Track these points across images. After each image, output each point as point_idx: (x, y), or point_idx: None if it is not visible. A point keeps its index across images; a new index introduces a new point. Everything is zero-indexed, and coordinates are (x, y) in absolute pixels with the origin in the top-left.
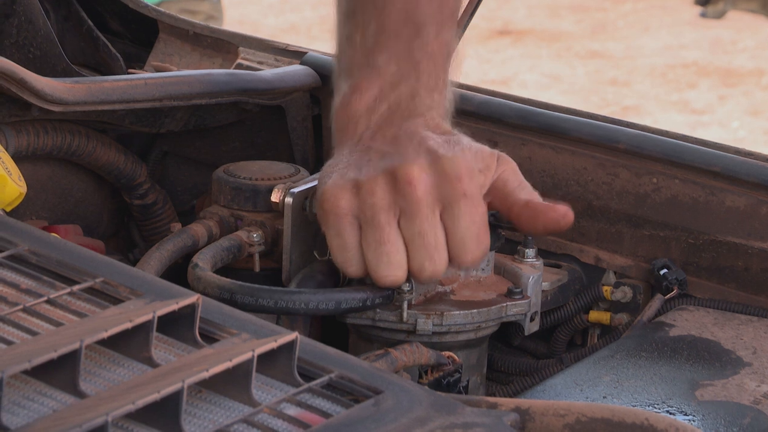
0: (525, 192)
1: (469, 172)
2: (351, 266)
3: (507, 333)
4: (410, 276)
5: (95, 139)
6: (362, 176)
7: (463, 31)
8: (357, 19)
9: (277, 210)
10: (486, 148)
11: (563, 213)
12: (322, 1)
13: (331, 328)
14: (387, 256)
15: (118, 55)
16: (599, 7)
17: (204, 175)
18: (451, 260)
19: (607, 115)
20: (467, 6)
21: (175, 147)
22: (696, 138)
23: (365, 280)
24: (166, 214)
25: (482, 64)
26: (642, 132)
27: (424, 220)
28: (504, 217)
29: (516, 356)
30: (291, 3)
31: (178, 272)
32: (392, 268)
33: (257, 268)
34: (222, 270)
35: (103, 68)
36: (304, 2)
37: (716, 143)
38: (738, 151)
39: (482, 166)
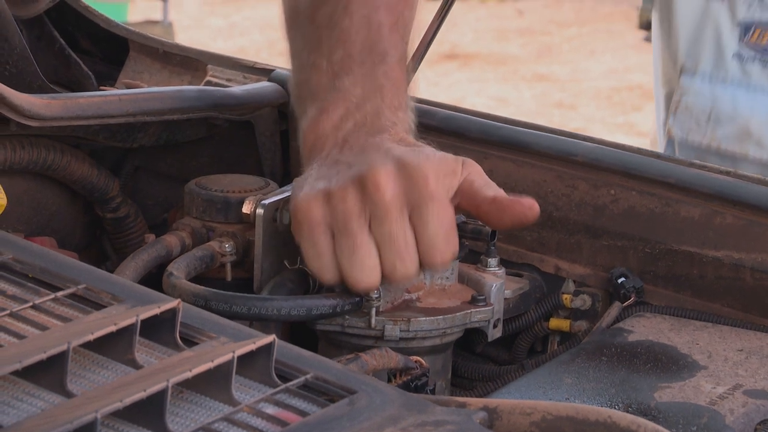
0: (491, 190)
1: (436, 175)
2: (326, 274)
3: (470, 340)
4: (383, 279)
5: (69, 153)
6: (332, 186)
7: (421, 59)
8: (322, 48)
9: (248, 221)
10: (450, 156)
11: (529, 205)
12: (270, 25)
13: (300, 336)
14: (360, 261)
15: (90, 73)
16: (545, 31)
17: (175, 189)
18: (422, 262)
19: None
20: (425, 35)
21: (146, 162)
22: (651, 151)
23: (335, 288)
24: (137, 228)
25: (430, 87)
26: (599, 145)
27: (393, 223)
28: (469, 225)
29: (479, 363)
30: (239, 27)
31: (151, 282)
32: (366, 273)
33: (229, 278)
34: (195, 279)
35: (75, 86)
36: (252, 26)
37: (670, 156)
38: (692, 164)
39: (448, 170)
